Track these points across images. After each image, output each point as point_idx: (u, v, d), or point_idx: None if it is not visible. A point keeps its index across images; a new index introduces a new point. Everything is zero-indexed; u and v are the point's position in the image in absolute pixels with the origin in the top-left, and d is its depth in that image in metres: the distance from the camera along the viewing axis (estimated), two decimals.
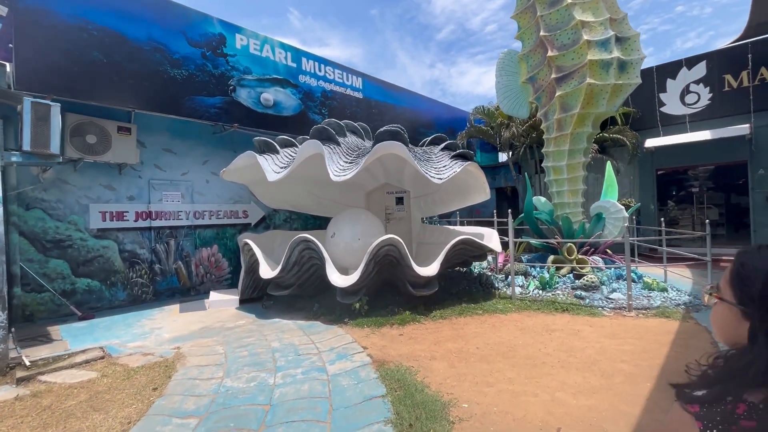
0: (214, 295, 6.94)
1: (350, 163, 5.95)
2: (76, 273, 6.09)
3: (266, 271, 5.93)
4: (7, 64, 4.18)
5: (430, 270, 5.58)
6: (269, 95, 7.92)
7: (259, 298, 6.84)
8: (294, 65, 8.45)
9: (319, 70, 8.98)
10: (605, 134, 10.87)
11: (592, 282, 6.48)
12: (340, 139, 6.57)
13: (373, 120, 10.10)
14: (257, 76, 7.78)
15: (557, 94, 7.54)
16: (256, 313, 6.14)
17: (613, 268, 7.09)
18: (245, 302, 6.75)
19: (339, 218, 7.00)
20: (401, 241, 5.41)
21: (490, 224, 9.53)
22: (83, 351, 4.45)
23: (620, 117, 11.23)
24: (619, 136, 10.75)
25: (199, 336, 5.09)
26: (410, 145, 6.16)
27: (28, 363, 4.05)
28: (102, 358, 4.31)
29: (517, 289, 6.54)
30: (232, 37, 7.39)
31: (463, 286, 6.76)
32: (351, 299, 5.58)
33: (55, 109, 4.58)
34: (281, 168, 6.27)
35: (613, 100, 7.33)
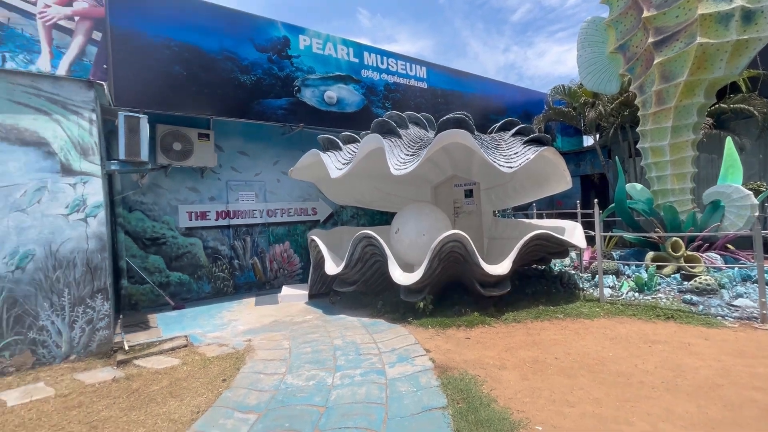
0: (285, 290, 7.24)
1: (411, 155, 5.69)
2: (169, 267, 6.81)
3: (331, 268, 5.98)
4: (104, 84, 4.72)
5: (501, 268, 5.09)
6: (332, 93, 8.00)
7: (327, 293, 6.95)
8: (356, 60, 8.42)
9: (382, 63, 8.84)
10: (723, 105, 9.00)
11: (708, 284, 5.35)
12: (402, 132, 6.34)
13: (439, 110, 9.68)
14: (320, 74, 7.90)
15: (656, 61, 6.37)
16: (323, 309, 6.23)
17: (736, 268, 5.79)
18: (314, 297, 6.91)
19: (403, 213, 6.79)
20: (467, 236, 5.01)
21: (572, 216, 8.54)
22: (171, 339, 4.89)
23: (744, 82, 9.20)
24: (743, 106, 8.81)
25: (269, 329, 5.30)
26: (477, 133, 5.69)
27: (127, 348, 4.56)
28: (185, 346, 4.69)
29: (607, 291, 5.68)
30: (295, 38, 7.59)
31: (540, 285, 6.09)
32: (415, 297, 5.35)
33: (143, 121, 5.09)
34: (343, 164, 6.25)
35: (734, 61, 5.95)
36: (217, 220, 7.32)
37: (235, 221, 7.51)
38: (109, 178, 6.15)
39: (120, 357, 4.36)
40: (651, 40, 6.41)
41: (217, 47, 6.64)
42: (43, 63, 4.26)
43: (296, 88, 7.54)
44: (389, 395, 3.21)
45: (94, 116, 4.59)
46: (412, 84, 9.39)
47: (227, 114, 6.82)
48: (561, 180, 6.13)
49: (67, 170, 4.41)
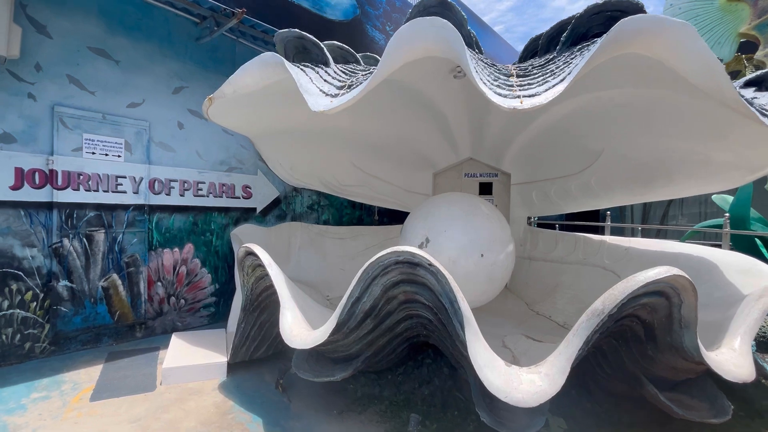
0: (176, 346, 3.43)
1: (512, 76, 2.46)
2: None
3: (297, 330, 2.45)
4: None
5: (744, 363, 2.12)
6: None
7: (273, 356, 3.38)
8: None
9: None
10: None
11: None
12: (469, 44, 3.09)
13: None
14: None
15: None
16: (265, 416, 2.66)
17: None
18: (240, 367, 3.27)
19: (436, 208, 3.54)
20: (692, 283, 1.94)
21: (596, 230, 5.91)
22: None
23: None
24: None
25: None
26: None
27: None
28: None
29: None
30: None
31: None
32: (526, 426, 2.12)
33: None
34: (338, 89, 2.78)
35: None
36: (18, 188, 3.19)
37: (68, 195, 3.43)
38: None
39: None
40: None
41: None
42: None
43: None
44: None
45: None
46: None
47: None
48: (727, 175, 3.43)
49: None
